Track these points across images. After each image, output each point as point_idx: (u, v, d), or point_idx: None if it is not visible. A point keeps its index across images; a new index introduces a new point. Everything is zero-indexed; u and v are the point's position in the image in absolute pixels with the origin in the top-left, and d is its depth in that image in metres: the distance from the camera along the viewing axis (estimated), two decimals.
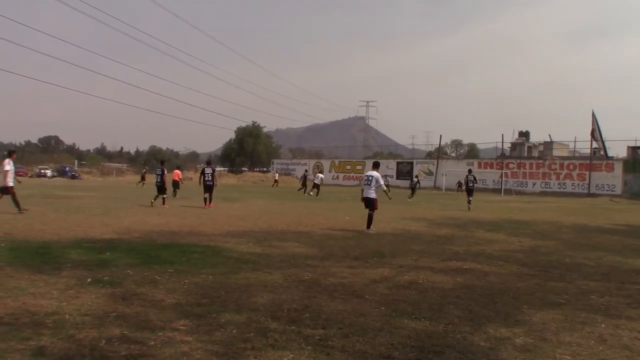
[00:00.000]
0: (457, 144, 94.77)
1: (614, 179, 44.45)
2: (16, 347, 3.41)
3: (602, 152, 47.46)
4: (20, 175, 55.63)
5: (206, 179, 17.27)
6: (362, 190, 11.87)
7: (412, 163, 59.47)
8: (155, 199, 17.06)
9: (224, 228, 11.10)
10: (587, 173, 45.68)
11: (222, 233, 10.16)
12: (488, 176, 49.33)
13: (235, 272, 6.21)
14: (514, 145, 59.04)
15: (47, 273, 5.75)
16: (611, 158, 46.92)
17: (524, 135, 61.76)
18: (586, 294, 5.66)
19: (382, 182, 11.73)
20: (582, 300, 5.33)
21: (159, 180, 17.61)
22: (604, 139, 46.96)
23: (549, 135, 66.16)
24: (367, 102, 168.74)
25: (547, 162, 49.13)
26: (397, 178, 55.00)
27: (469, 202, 21.21)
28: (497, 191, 45.43)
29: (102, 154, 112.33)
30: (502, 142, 53.62)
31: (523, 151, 58.25)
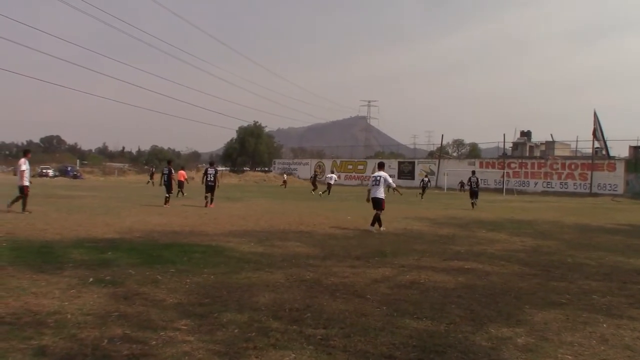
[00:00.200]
0: (458, 143, 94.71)
1: (616, 178, 44.36)
2: (18, 346, 3.42)
3: (604, 152, 47.37)
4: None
5: (208, 179, 17.63)
6: (369, 190, 11.91)
7: (413, 163, 59.45)
8: (167, 200, 17.27)
9: (225, 228, 11.11)
10: (589, 173, 45.60)
11: (224, 233, 10.17)
12: (490, 176, 49.29)
13: (236, 272, 6.22)
14: (515, 145, 58.95)
15: (49, 272, 5.76)
16: (613, 158, 46.81)
17: (526, 134, 61.66)
18: (588, 294, 5.65)
19: (390, 180, 11.89)
20: (584, 300, 5.32)
21: (165, 179, 17.94)
22: (605, 139, 46.90)
23: (551, 134, 66.23)
24: (369, 101, 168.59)
25: (548, 162, 49.05)
26: (399, 178, 54.95)
27: (473, 203, 21.69)
28: (498, 191, 45.36)
29: (104, 154, 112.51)
30: (504, 141, 53.64)
31: (525, 151, 58.16)
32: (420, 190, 30.69)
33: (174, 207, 16.43)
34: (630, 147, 47.39)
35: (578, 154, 52.77)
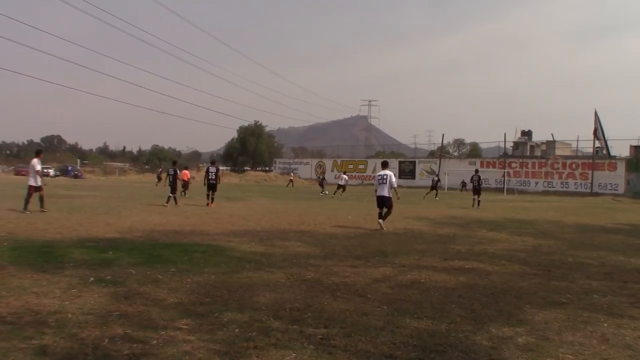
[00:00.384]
0: (459, 143, 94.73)
1: (617, 178, 44.34)
2: (19, 346, 3.42)
3: (604, 151, 47.33)
4: (23, 175, 55.77)
5: (210, 177, 18.18)
6: (376, 189, 12.04)
7: (414, 162, 59.43)
8: (176, 200, 17.45)
9: (226, 227, 11.12)
10: (590, 172, 45.58)
11: (225, 232, 10.17)
12: (490, 175, 49.23)
13: (237, 272, 6.22)
14: (516, 145, 58.91)
15: (50, 272, 5.76)
16: (614, 157, 46.78)
17: (527, 134, 61.59)
18: (589, 293, 5.64)
19: (394, 180, 12.00)
20: (585, 300, 5.32)
21: (171, 180, 18.19)
22: (606, 138, 46.87)
23: (552, 134, 66.28)
24: (369, 101, 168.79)
25: (549, 162, 49.03)
26: (400, 177, 54.91)
27: (478, 201, 22.04)
28: (499, 190, 45.33)
29: (105, 154, 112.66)
30: (505, 141, 53.67)
31: (525, 150, 58.12)
32: (429, 190, 30.89)
33: (175, 207, 16.44)
34: (631, 146, 47.36)
35: (579, 154, 52.75)
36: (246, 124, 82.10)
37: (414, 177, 57.06)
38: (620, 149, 50.63)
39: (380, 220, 11.64)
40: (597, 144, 46.62)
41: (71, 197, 20.04)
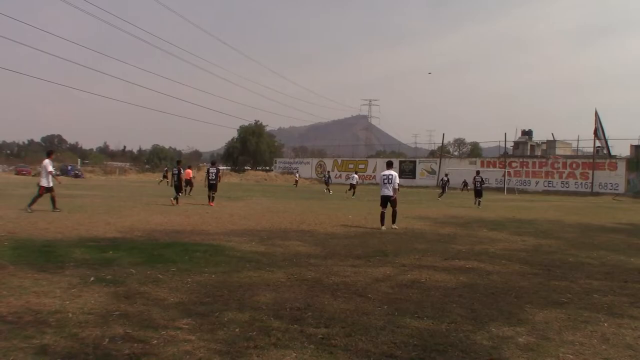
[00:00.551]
0: (459, 142, 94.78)
1: (617, 177, 44.33)
2: (19, 345, 3.42)
3: (605, 151, 47.31)
4: (24, 174, 55.82)
5: (210, 177, 18.64)
6: (381, 189, 12.20)
7: (414, 162, 59.43)
8: (177, 200, 17.68)
9: (226, 227, 11.12)
10: (590, 172, 45.56)
11: (225, 232, 10.17)
12: (491, 175, 49.19)
13: (238, 271, 6.22)
14: (516, 144, 58.87)
15: (51, 272, 5.77)
16: (614, 157, 46.75)
17: (527, 134, 61.55)
18: (589, 293, 5.64)
19: (397, 181, 12.18)
20: (585, 300, 5.32)
21: (175, 179, 18.54)
22: (607, 138, 46.86)
23: (552, 134, 66.08)
24: (370, 100, 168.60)
25: (550, 161, 49.00)
26: (400, 177, 54.81)
27: (479, 202, 22.51)
28: (500, 190, 45.33)
29: (105, 153, 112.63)
30: (505, 140, 53.59)
31: (526, 150, 58.09)
32: (440, 190, 31.15)
33: (175, 207, 16.48)
34: (632, 146, 47.31)
35: (579, 153, 52.73)
36: (247, 123, 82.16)
37: (414, 177, 57.07)
38: (621, 149, 50.62)
39: (394, 226, 11.77)
40: (598, 143, 46.61)
41: (71, 197, 20.03)
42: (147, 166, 78.75)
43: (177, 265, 6.45)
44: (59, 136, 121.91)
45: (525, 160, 51.25)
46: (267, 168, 76.30)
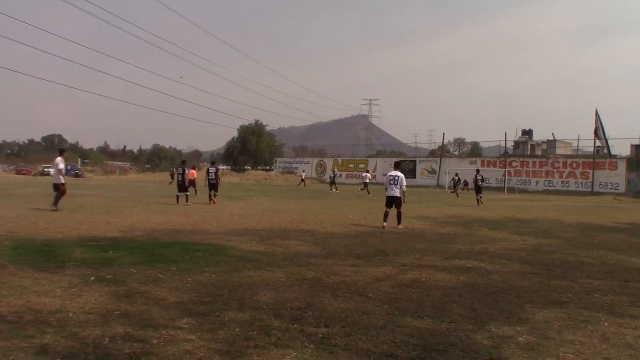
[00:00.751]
0: (460, 142, 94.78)
1: (618, 177, 44.28)
2: (20, 345, 3.42)
3: (605, 151, 47.27)
4: (24, 174, 55.81)
5: (210, 177, 19.08)
6: (386, 189, 12.21)
7: (415, 161, 59.42)
8: (178, 199, 17.75)
9: (227, 226, 11.12)
10: (591, 171, 45.52)
11: (225, 231, 10.18)
12: (491, 174, 49.13)
13: (238, 271, 6.22)
14: (517, 144, 58.83)
15: (51, 271, 5.77)
16: (614, 156, 46.70)
17: (527, 133, 61.53)
18: (589, 292, 5.64)
19: (405, 182, 12.21)
20: (585, 299, 5.32)
21: (180, 179, 18.54)
22: (607, 137, 46.77)
23: (552, 133, 66.10)
24: (370, 100, 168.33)
25: (550, 161, 48.96)
26: None
27: (480, 198, 22.99)
28: (500, 189, 45.30)
29: (105, 153, 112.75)
30: (505, 140, 53.57)
31: (526, 149, 58.06)
32: (452, 189, 31.46)
33: (176, 206, 16.48)
34: (632, 145, 47.28)
35: (579, 153, 52.67)
36: (247, 123, 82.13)
37: (414, 176, 57.04)
38: (621, 148, 50.59)
39: (399, 226, 11.81)
40: (598, 143, 46.54)
41: (72, 196, 20.01)
42: (147, 166, 78.82)
43: (177, 264, 6.45)
44: (59, 136, 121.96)
45: (525, 159, 51.21)
46: (267, 168, 76.28)
